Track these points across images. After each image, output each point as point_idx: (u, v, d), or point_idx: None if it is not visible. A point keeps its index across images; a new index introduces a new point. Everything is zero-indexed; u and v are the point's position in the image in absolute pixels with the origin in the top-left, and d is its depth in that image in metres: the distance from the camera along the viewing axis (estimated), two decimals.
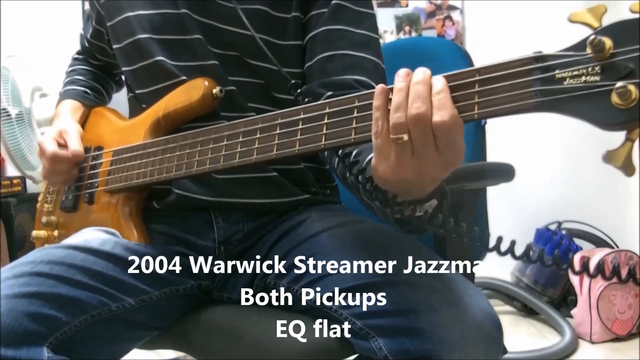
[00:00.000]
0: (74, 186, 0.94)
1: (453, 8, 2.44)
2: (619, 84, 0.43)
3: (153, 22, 0.86)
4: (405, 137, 0.53)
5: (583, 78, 0.45)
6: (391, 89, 0.55)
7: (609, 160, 0.46)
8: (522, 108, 0.48)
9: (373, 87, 0.81)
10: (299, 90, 0.72)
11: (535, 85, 0.48)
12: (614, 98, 0.43)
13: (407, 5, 2.44)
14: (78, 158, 0.91)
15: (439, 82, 0.53)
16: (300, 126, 0.64)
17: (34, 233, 0.99)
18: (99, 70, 1.10)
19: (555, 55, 0.47)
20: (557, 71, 0.47)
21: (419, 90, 0.53)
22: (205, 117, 0.82)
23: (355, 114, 0.59)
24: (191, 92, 0.82)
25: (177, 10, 0.85)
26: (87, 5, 1.04)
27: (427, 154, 0.53)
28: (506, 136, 2.16)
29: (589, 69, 0.45)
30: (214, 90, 0.81)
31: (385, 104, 0.55)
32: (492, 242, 0.55)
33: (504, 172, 0.91)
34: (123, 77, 1.15)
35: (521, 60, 0.49)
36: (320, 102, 0.63)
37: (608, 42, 0.44)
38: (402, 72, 0.55)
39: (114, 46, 0.93)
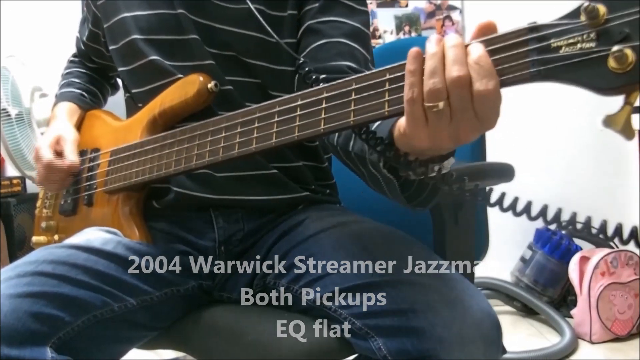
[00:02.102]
0: (72, 189, 0.94)
1: (453, 8, 2.44)
2: (615, 47, 0.43)
3: (149, 23, 0.86)
4: (441, 104, 0.51)
5: (579, 45, 0.46)
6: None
7: (609, 124, 0.46)
8: (520, 79, 0.49)
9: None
10: (307, 69, 0.71)
11: (532, 55, 0.48)
12: (611, 63, 0.44)
13: (406, 5, 2.44)
14: (73, 169, 0.92)
15: (478, 48, 0.50)
16: (298, 112, 0.63)
17: (34, 239, 0.98)
18: (95, 73, 1.10)
19: (549, 25, 0.48)
20: (552, 40, 0.47)
21: (457, 53, 0.51)
22: (202, 115, 0.81)
23: (353, 97, 0.58)
24: (186, 87, 0.82)
25: (173, 10, 0.85)
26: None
27: (466, 119, 0.51)
28: (506, 136, 2.17)
29: (584, 36, 0.45)
30: (209, 85, 0.81)
31: (421, 67, 0.52)
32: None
33: (504, 172, 0.91)
34: (119, 80, 1.15)
35: (516, 31, 0.49)
36: (317, 88, 0.62)
37: (602, 8, 0.44)
38: (433, 38, 0.53)
39: (111, 47, 0.93)
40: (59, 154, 0.92)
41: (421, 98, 0.52)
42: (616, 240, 0.50)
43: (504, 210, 0.54)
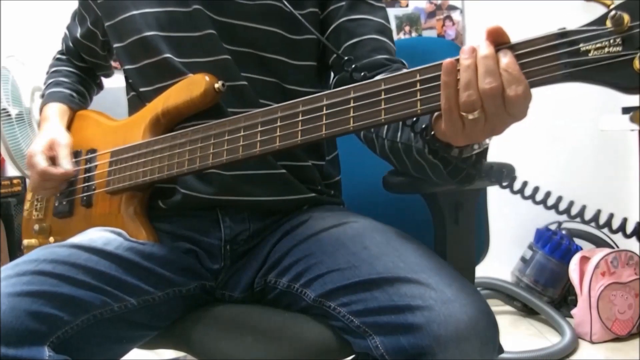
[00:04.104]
0: (67, 191, 0.93)
1: (453, 8, 2.44)
2: None
3: (160, 20, 0.86)
4: (477, 114, 0.56)
5: (606, 49, 0.51)
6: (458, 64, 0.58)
7: (635, 120, 0.53)
8: (552, 79, 0.54)
9: (404, 64, 0.85)
10: (353, 66, 0.73)
11: (563, 58, 0.53)
12: (637, 65, 0.49)
13: (407, 5, 2.44)
14: (68, 177, 0.91)
15: (506, 55, 0.55)
16: (324, 111, 0.66)
17: (25, 242, 0.97)
18: (83, 72, 1.10)
19: (578, 31, 0.53)
20: (581, 45, 0.52)
21: (489, 65, 0.55)
22: (211, 113, 0.81)
23: (383, 96, 0.62)
24: (192, 88, 0.82)
25: (186, 7, 0.85)
26: None
27: (500, 120, 0.56)
28: (506, 136, 2.16)
29: (611, 41, 0.51)
30: (216, 85, 0.80)
31: (455, 80, 0.57)
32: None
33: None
34: (104, 79, 1.15)
35: (547, 36, 0.54)
36: (343, 88, 0.65)
37: (626, 16, 0.49)
38: (467, 49, 0.57)
39: (115, 45, 0.92)
40: (52, 159, 0.91)
41: (458, 107, 0.57)
42: (620, 235, 0.54)
43: (525, 198, 0.60)
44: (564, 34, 0.53)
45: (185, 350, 0.82)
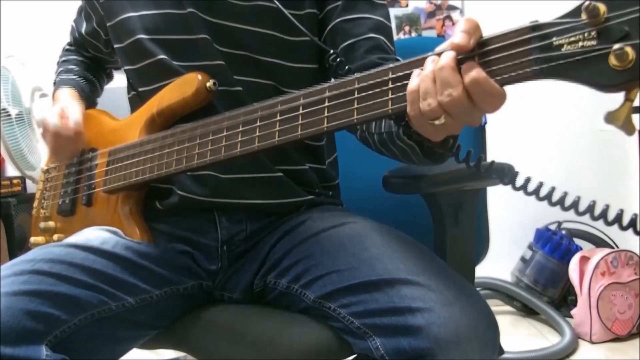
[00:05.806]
0: (70, 189, 0.94)
1: (453, 8, 2.44)
2: (617, 46, 0.44)
3: (155, 23, 0.86)
4: (442, 119, 0.54)
5: (580, 43, 0.47)
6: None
7: (610, 120, 0.48)
8: (524, 76, 0.50)
9: (398, 60, 0.83)
10: (338, 59, 0.73)
11: (534, 53, 0.49)
12: (612, 60, 0.45)
13: (407, 5, 2.44)
14: (79, 127, 0.91)
15: (472, 68, 0.52)
16: (301, 111, 0.64)
17: (32, 239, 0.98)
18: (92, 62, 1.10)
19: (551, 24, 0.48)
20: (554, 38, 0.48)
21: (443, 76, 0.53)
22: (203, 113, 0.81)
23: (356, 95, 0.60)
24: (184, 87, 0.82)
25: (181, 10, 0.84)
26: None
27: (473, 118, 0.54)
28: (506, 136, 2.16)
29: (585, 34, 0.46)
30: (208, 84, 0.81)
31: (419, 88, 0.55)
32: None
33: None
34: (114, 69, 1.15)
35: (518, 30, 0.50)
36: (319, 87, 0.64)
37: (602, 7, 0.45)
38: (428, 58, 0.56)
39: (115, 46, 0.93)
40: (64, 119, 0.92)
41: (422, 114, 0.55)
42: (615, 226, 0.50)
43: (516, 189, 0.56)
44: (536, 27, 0.49)
45: (185, 350, 0.82)
